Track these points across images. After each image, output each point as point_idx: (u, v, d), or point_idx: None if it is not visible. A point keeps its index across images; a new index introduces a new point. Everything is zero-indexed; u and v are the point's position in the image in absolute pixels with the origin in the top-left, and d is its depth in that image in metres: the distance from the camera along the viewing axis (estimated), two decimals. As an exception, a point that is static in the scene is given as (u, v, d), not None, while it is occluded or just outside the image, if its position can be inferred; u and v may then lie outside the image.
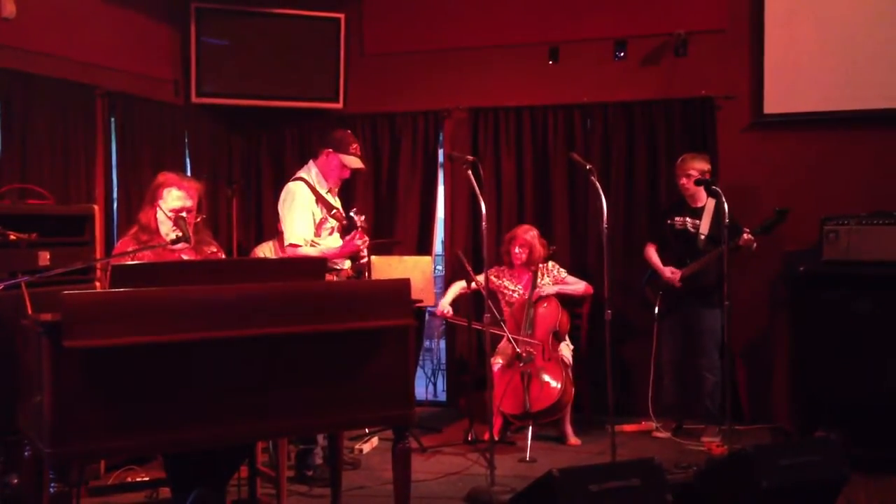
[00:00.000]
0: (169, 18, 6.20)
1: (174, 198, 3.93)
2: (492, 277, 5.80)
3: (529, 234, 5.75)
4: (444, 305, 5.79)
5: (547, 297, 5.66)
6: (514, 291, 5.77)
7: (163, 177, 4.04)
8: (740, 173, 5.90)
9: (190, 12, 6.19)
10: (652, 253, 5.72)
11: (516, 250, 5.71)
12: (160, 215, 3.93)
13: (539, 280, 5.71)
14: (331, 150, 4.67)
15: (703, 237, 5.50)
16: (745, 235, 5.24)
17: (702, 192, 5.49)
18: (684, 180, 5.51)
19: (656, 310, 5.62)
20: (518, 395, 5.34)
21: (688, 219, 5.57)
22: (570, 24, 6.29)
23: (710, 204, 5.51)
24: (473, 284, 5.60)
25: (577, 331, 5.89)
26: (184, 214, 3.91)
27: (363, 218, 4.59)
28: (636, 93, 6.15)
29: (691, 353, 5.59)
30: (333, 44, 6.51)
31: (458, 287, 5.83)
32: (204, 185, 4.13)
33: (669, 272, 5.54)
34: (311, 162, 4.77)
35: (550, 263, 5.82)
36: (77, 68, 5.27)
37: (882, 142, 5.72)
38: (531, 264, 5.73)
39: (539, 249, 5.74)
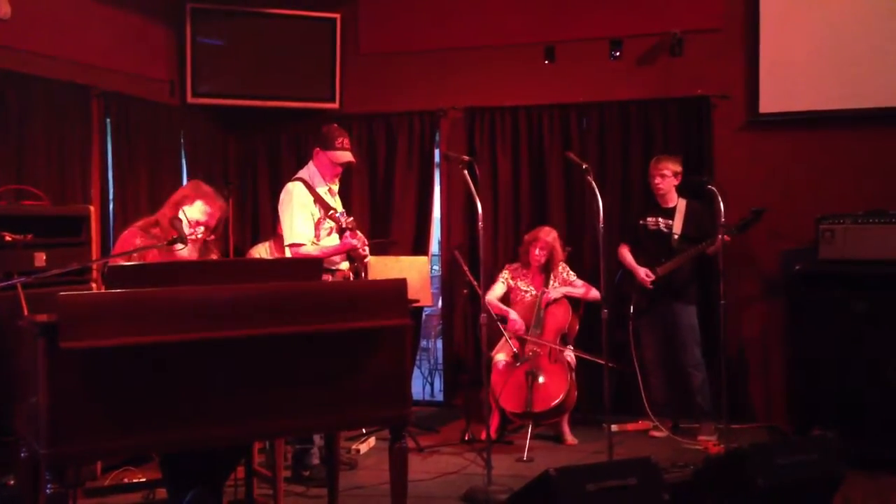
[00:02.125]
0: (164, 18, 6.19)
1: (199, 211, 3.97)
2: (507, 278, 5.81)
3: (551, 236, 5.72)
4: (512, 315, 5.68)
5: (557, 299, 5.65)
6: (526, 293, 5.76)
7: (197, 187, 4.08)
8: (735, 173, 5.90)
9: (185, 12, 6.17)
10: (626, 253, 5.74)
11: (536, 252, 5.69)
12: (181, 218, 3.94)
13: (551, 283, 5.70)
14: (319, 148, 4.68)
15: (676, 237, 5.55)
16: (721, 238, 5.26)
17: (673, 193, 5.60)
18: (658, 180, 5.58)
19: (631, 309, 5.64)
20: (521, 394, 5.33)
21: (660, 219, 5.62)
22: (566, 24, 6.29)
23: (682, 204, 5.60)
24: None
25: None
26: (181, 214, 3.92)
27: (351, 220, 4.58)
28: (632, 92, 6.16)
29: (673, 350, 5.62)
30: (329, 44, 6.51)
31: (498, 290, 5.81)
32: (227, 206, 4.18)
33: (644, 274, 5.57)
34: (310, 162, 4.79)
35: (561, 266, 5.81)
36: (73, 69, 5.26)
37: (877, 141, 5.72)
38: (549, 267, 5.73)
39: (559, 253, 5.73)
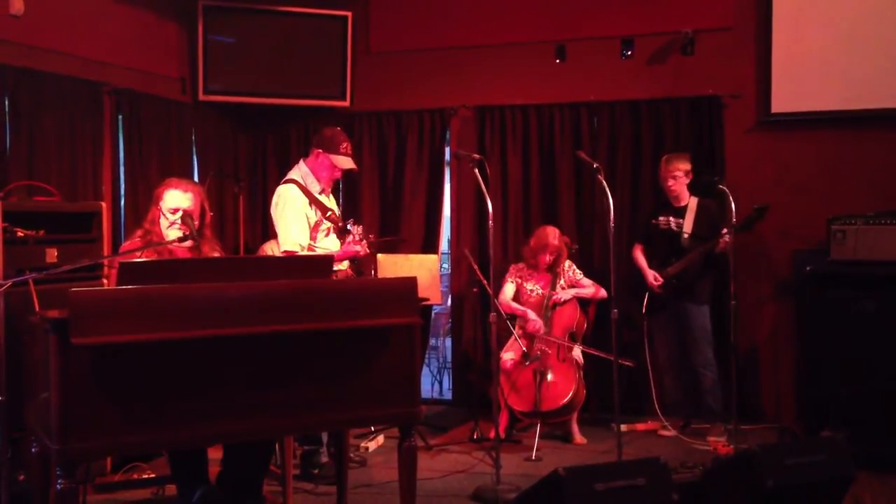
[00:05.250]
0: (176, 16, 6.21)
1: (171, 197, 3.97)
2: (515, 278, 5.80)
3: (558, 238, 5.68)
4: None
5: (566, 300, 5.64)
6: (532, 291, 5.75)
7: (166, 180, 4.11)
8: (747, 172, 5.88)
9: (197, 10, 6.18)
10: (638, 254, 5.74)
11: (547, 258, 5.68)
12: (162, 217, 3.97)
13: (557, 282, 5.69)
14: (320, 150, 4.61)
15: (686, 236, 5.55)
16: (725, 237, 5.25)
17: (685, 192, 5.58)
18: (671, 182, 5.57)
19: (643, 309, 5.63)
20: (529, 393, 5.33)
21: (671, 218, 5.61)
22: (578, 23, 6.28)
23: (693, 203, 5.59)
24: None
25: (583, 329, 5.89)
26: (180, 213, 3.93)
27: (360, 228, 4.56)
28: (643, 91, 6.14)
29: (685, 351, 5.60)
30: (340, 42, 6.51)
31: (510, 291, 5.79)
32: (206, 188, 4.14)
33: (652, 277, 5.57)
34: (301, 161, 4.72)
35: (567, 263, 5.80)
36: (85, 65, 5.27)
37: (890, 142, 5.69)
38: (555, 265, 5.72)
39: (565, 252, 5.73)
